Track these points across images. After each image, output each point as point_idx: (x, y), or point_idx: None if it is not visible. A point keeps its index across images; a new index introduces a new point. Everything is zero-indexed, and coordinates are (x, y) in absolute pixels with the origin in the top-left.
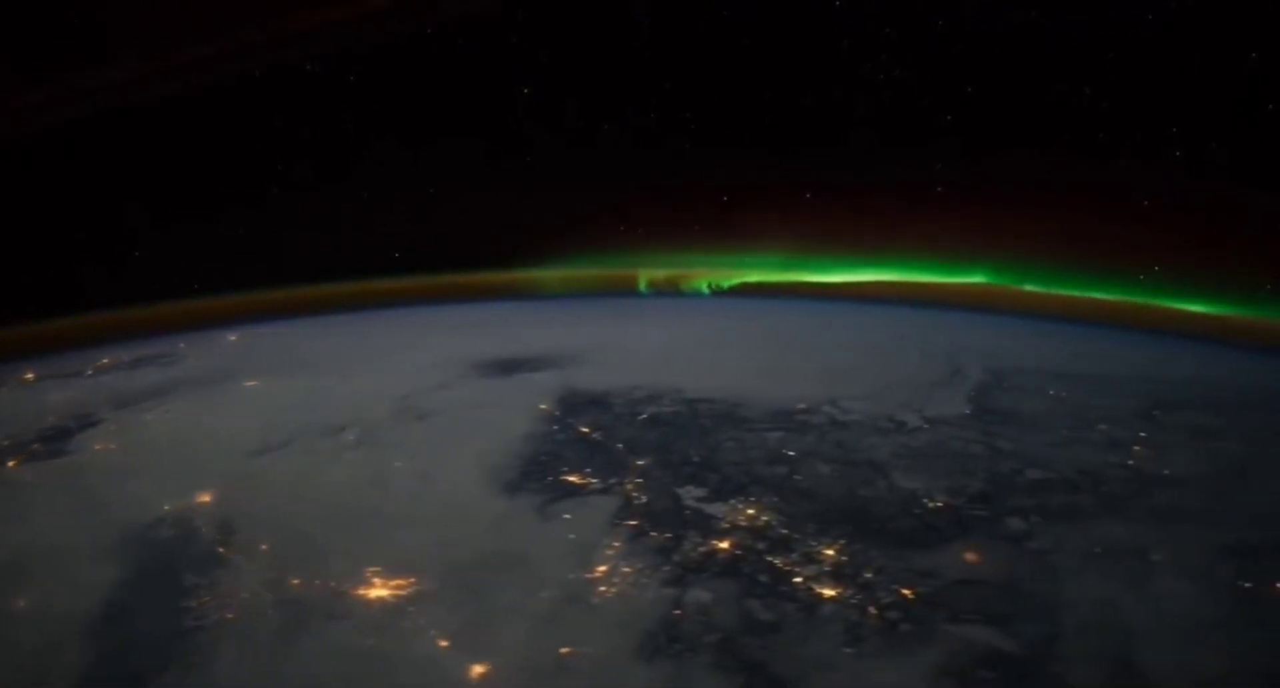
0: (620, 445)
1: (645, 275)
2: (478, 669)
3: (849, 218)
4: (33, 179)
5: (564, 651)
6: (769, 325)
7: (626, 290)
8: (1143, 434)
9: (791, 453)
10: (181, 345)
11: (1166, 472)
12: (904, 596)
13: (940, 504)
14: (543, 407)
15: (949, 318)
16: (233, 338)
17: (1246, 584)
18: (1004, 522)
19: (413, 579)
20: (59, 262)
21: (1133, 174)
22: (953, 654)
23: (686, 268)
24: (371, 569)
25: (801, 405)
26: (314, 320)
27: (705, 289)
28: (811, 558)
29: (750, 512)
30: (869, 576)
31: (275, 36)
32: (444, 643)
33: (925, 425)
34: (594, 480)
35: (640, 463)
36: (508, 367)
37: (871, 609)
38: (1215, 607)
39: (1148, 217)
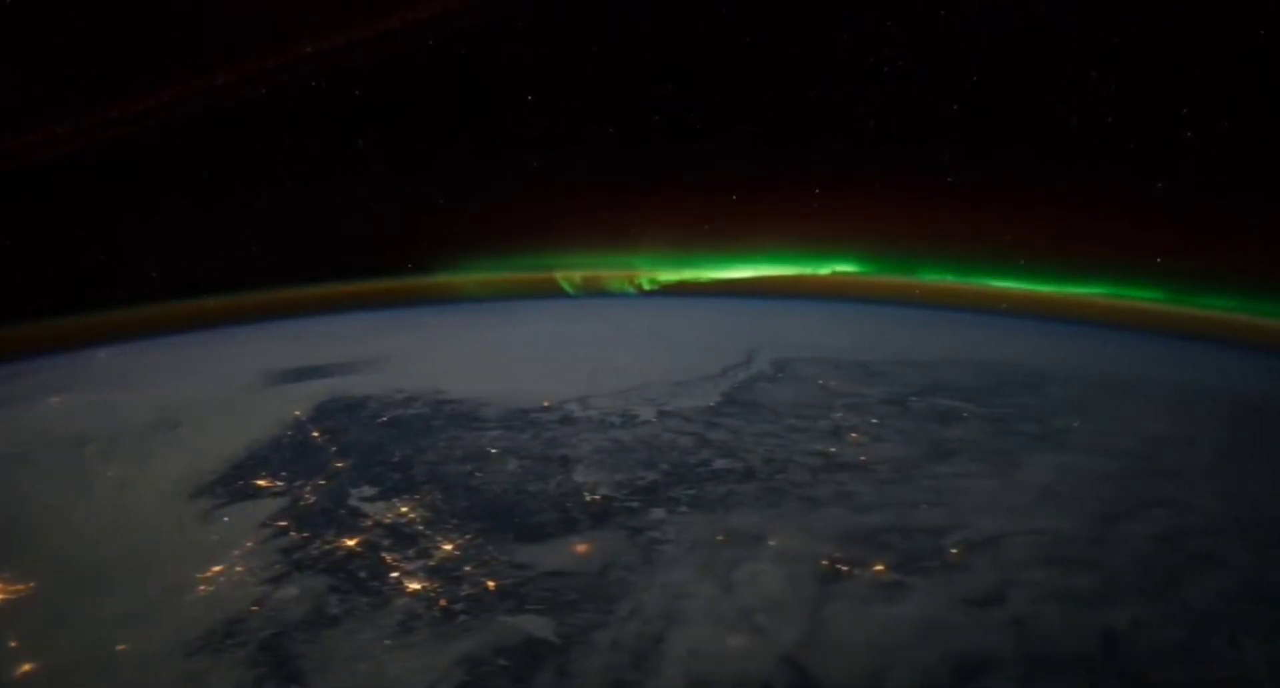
0: (335, 449)
1: (563, 277)
2: (24, 668)
3: (744, 214)
4: None
5: (120, 648)
6: (612, 325)
7: (510, 294)
8: (874, 420)
9: (493, 451)
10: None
11: (862, 458)
12: (486, 588)
13: (598, 497)
14: (296, 413)
15: (801, 308)
16: (102, 355)
17: (842, 568)
18: (648, 512)
19: (30, 584)
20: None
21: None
22: (485, 644)
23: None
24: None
25: (546, 403)
26: (190, 337)
27: (629, 289)
28: (425, 554)
29: (403, 510)
30: (467, 569)
31: None
32: (13, 644)
33: (653, 420)
34: (280, 483)
35: (339, 465)
36: (298, 375)
37: (442, 602)
38: (790, 591)
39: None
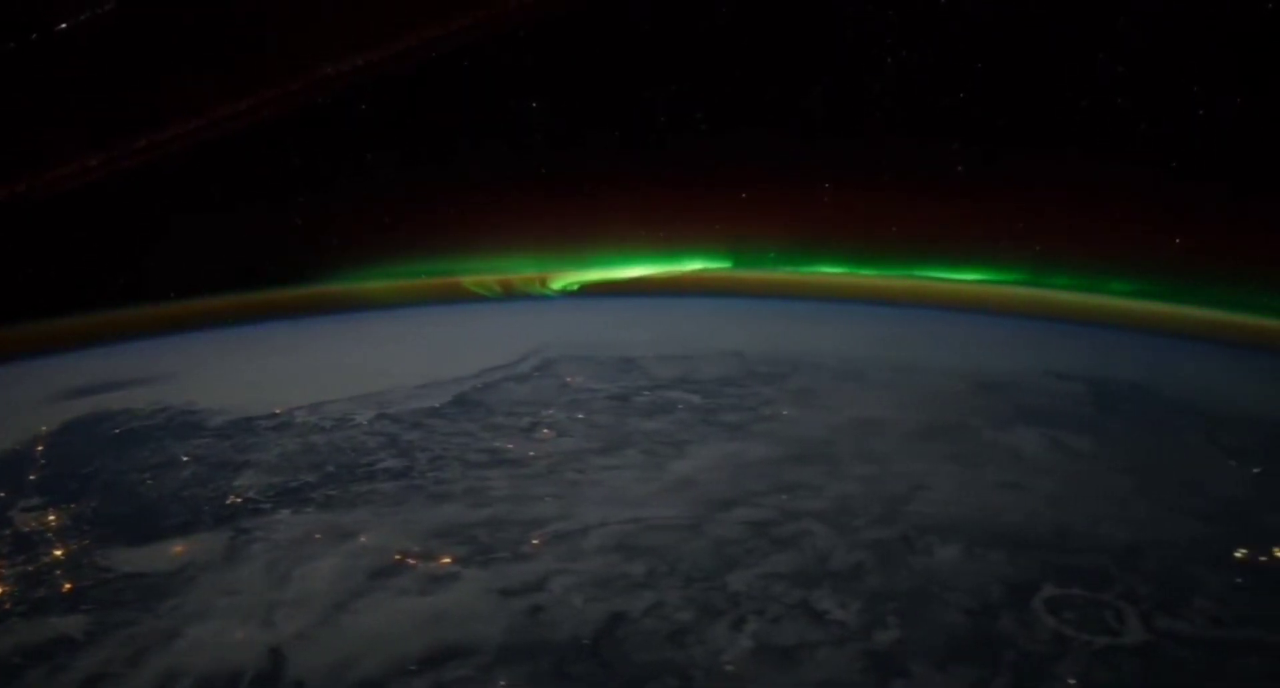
0: (43, 461)
1: (472, 282)
2: None
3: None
4: None
5: None
6: (450, 330)
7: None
8: (580, 416)
9: (185, 458)
10: None
11: (530, 454)
12: (61, 590)
13: (239, 500)
14: (43, 428)
15: (656, 304)
16: None
17: (410, 561)
18: (274, 514)
19: None
20: None
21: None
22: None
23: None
24: None
25: (276, 411)
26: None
27: (542, 291)
28: (33, 559)
29: (50, 518)
30: (57, 573)
31: None
32: None
33: (363, 423)
34: None
35: (31, 476)
36: (81, 392)
37: (5, 606)
38: (333, 586)
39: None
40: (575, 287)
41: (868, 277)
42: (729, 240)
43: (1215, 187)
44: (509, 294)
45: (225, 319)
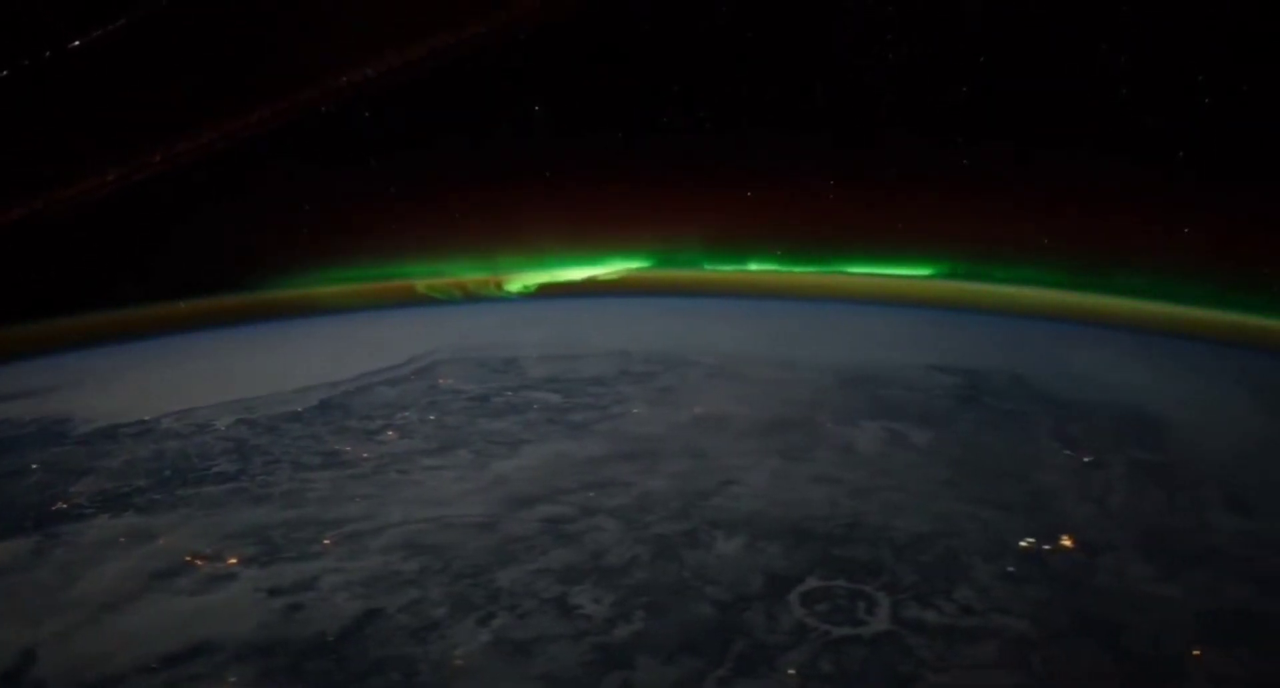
0: None
1: (426, 285)
2: None
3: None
4: None
5: None
6: (363, 335)
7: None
8: (431, 418)
9: (34, 466)
10: None
11: (364, 456)
12: None
13: (64, 506)
14: None
15: (567, 305)
16: None
17: (197, 562)
18: (92, 519)
19: None
20: None
21: None
22: None
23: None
24: None
25: (145, 418)
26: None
27: (497, 292)
28: None
29: None
30: None
31: None
32: None
33: (221, 429)
34: None
35: None
36: None
37: None
38: (119, 586)
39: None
40: (532, 288)
41: (795, 273)
42: (658, 241)
43: (1117, 171)
44: (466, 296)
45: (167, 327)
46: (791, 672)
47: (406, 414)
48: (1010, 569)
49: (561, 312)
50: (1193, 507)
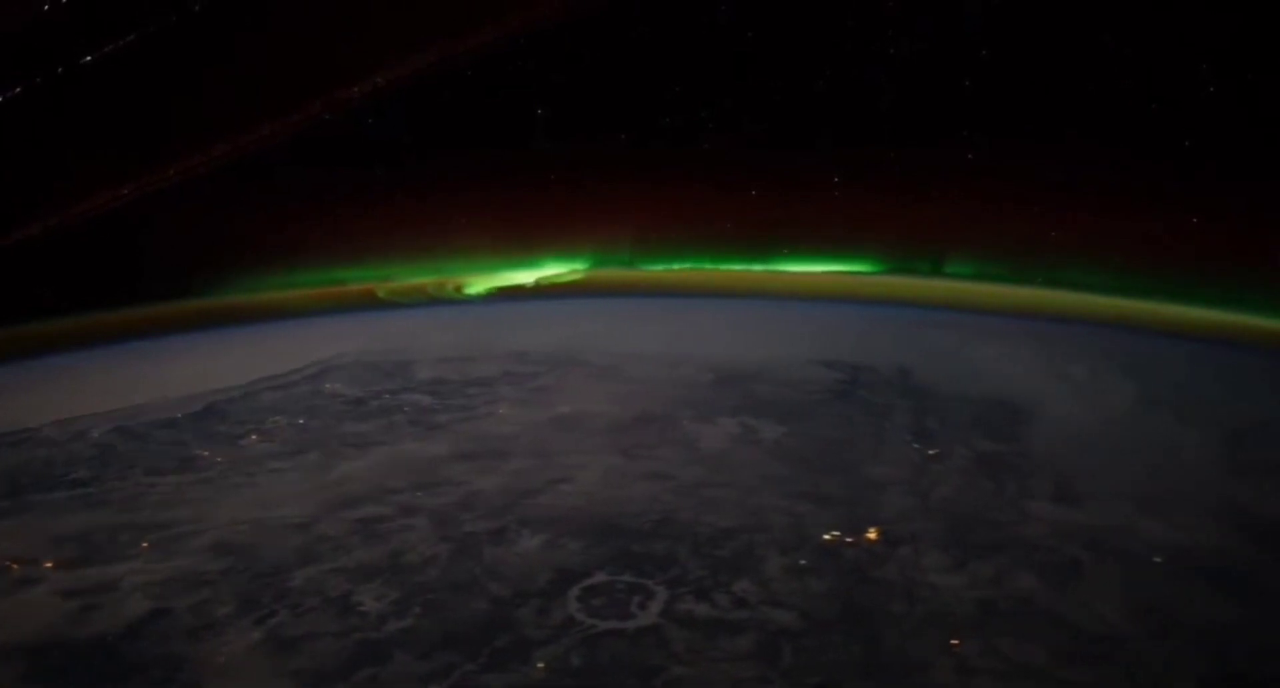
0: None
1: (383, 288)
2: None
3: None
4: None
5: None
6: (276, 342)
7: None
8: (300, 421)
9: None
10: None
11: (218, 459)
12: None
13: None
14: None
15: (502, 309)
16: None
17: (13, 566)
18: None
19: None
20: None
21: None
22: None
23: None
24: None
25: (29, 426)
26: None
27: (455, 294)
28: None
29: None
30: None
31: None
32: None
33: (95, 437)
34: None
35: None
36: None
37: None
38: None
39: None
40: (492, 290)
41: (736, 271)
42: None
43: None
44: (427, 299)
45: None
46: (540, 665)
47: (278, 418)
48: (802, 563)
49: (495, 313)
50: (1017, 498)
